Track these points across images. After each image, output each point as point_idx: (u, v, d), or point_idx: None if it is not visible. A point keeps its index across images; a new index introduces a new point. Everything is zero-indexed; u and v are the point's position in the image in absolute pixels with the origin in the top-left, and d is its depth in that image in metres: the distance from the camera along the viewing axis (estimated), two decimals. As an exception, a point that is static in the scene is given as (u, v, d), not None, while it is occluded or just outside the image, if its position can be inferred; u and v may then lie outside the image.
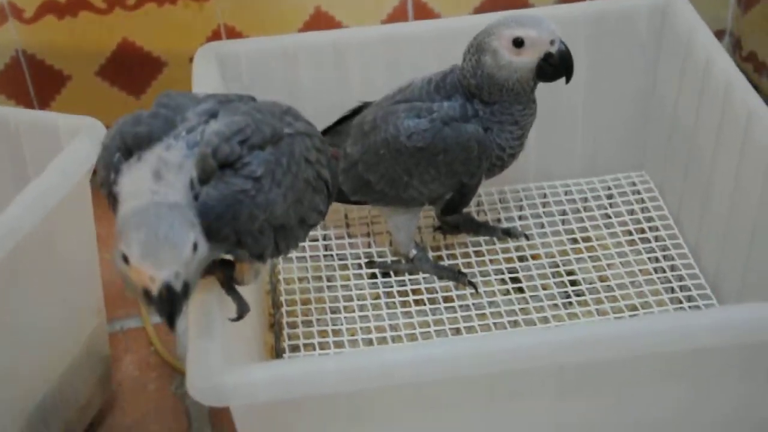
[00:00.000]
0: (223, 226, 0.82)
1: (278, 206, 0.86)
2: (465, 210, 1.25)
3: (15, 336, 0.98)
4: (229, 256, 0.91)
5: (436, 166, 1.09)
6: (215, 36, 1.45)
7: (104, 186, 0.86)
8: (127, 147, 0.84)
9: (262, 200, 0.84)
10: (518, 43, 1.04)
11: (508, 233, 1.23)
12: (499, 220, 1.27)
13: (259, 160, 0.84)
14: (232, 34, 1.45)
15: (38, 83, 1.45)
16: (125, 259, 0.76)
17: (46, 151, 1.06)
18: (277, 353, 1.12)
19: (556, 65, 1.06)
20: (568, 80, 1.07)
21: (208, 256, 0.83)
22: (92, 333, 1.12)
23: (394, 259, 1.22)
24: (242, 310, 0.91)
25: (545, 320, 1.12)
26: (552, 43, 1.05)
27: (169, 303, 0.76)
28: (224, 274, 0.92)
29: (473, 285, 1.17)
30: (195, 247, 0.77)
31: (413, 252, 1.18)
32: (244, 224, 0.83)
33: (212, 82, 1.16)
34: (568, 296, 1.16)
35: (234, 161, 0.83)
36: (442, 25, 1.24)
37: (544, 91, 1.11)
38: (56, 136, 1.08)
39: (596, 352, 0.84)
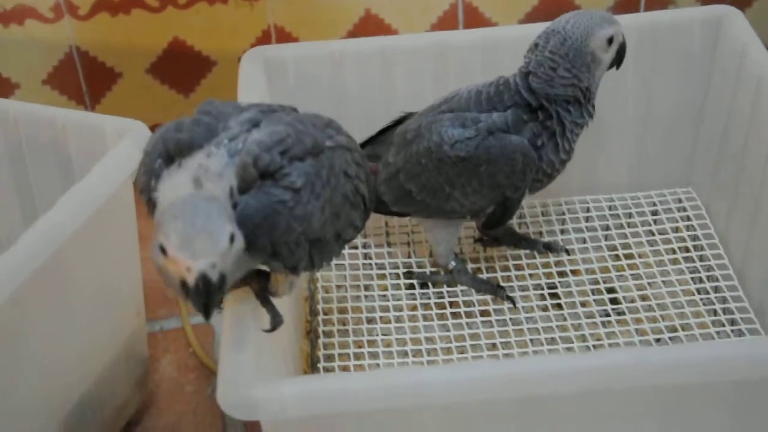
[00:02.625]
0: (260, 236, 0.82)
1: (315, 219, 0.85)
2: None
3: (56, 336, 1.00)
4: (264, 267, 0.92)
5: (478, 177, 1.07)
6: (265, 36, 1.45)
7: (144, 192, 0.87)
8: (168, 153, 0.85)
9: (300, 212, 0.84)
10: (610, 41, 1.06)
11: (549, 248, 1.21)
12: (540, 234, 1.25)
13: (299, 171, 0.84)
14: (282, 34, 1.45)
15: (90, 80, 1.47)
16: (163, 251, 0.77)
17: (92, 152, 1.08)
18: (313, 361, 1.12)
19: (617, 56, 1.09)
20: (619, 66, 1.09)
21: (245, 262, 0.83)
22: (132, 334, 1.14)
23: (433, 270, 1.21)
24: (276, 322, 0.91)
25: (583, 338, 1.11)
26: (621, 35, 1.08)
27: (206, 294, 0.77)
28: (259, 285, 0.92)
29: (511, 299, 1.16)
30: (232, 238, 0.78)
31: (452, 264, 1.17)
32: (281, 235, 0.83)
33: (258, 86, 1.16)
34: (608, 314, 1.14)
35: (274, 171, 0.83)
36: (489, 34, 1.22)
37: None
38: (102, 137, 1.09)
39: (628, 379, 0.82)
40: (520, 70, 1.08)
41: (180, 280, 0.77)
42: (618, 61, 1.09)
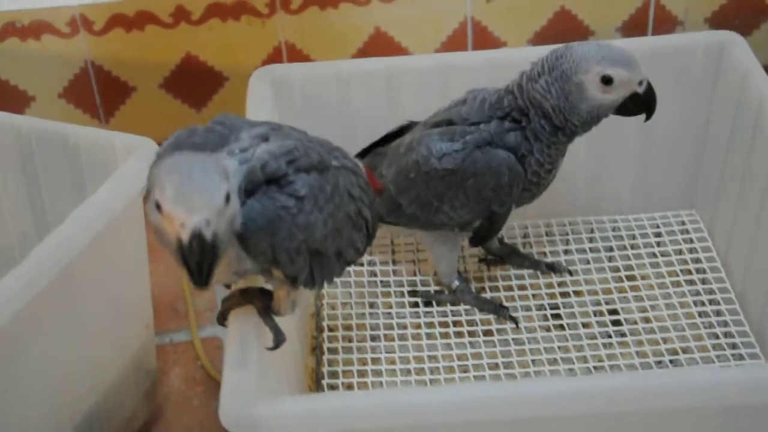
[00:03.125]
0: (262, 240, 0.84)
1: (317, 230, 0.88)
2: (511, 242, 1.25)
3: (65, 349, 1.02)
4: (268, 286, 0.93)
5: (465, 190, 1.08)
6: (276, 53, 1.47)
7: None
8: None
9: (303, 221, 0.86)
10: (607, 81, 1.02)
11: (552, 268, 1.22)
12: (544, 254, 1.26)
13: (303, 181, 0.86)
14: (293, 51, 1.47)
15: (104, 93, 1.49)
16: (158, 208, 0.78)
17: (103, 168, 1.10)
18: (318, 377, 1.14)
19: (640, 105, 1.04)
20: (648, 118, 1.06)
21: (242, 262, 0.85)
22: (140, 347, 1.15)
23: (437, 288, 1.23)
24: (279, 340, 0.93)
25: (584, 359, 1.12)
26: (640, 83, 1.03)
27: (200, 253, 0.77)
28: (262, 303, 0.94)
29: (514, 319, 1.17)
30: (227, 197, 0.78)
31: (456, 283, 1.18)
32: (282, 241, 0.85)
33: (266, 104, 1.18)
34: (609, 335, 1.15)
35: (280, 178, 0.85)
36: (495, 56, 1.24)
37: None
38: (113, 153, 1.11)
39: (624, 404, 0.84)
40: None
41: (176, 239, 0.77)
42: (634, 111, 1.05)
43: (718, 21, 1.47)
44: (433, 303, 1.21)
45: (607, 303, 1.19)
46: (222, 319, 0.95)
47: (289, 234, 0.85)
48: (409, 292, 1.22)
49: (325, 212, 0.88)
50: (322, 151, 0.91)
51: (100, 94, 1.49)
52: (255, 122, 0.92)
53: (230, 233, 0.81)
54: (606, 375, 1.05)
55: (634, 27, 1.48)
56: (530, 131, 1.07)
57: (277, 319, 0.94)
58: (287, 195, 0.85)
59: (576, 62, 1.03)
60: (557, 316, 1.18)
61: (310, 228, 0.87)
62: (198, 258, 0.77)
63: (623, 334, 1.15)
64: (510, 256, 1.24)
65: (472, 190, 1.08)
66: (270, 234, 0.84)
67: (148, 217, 0.81)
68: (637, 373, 1.02)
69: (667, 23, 1.48)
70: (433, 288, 1.23)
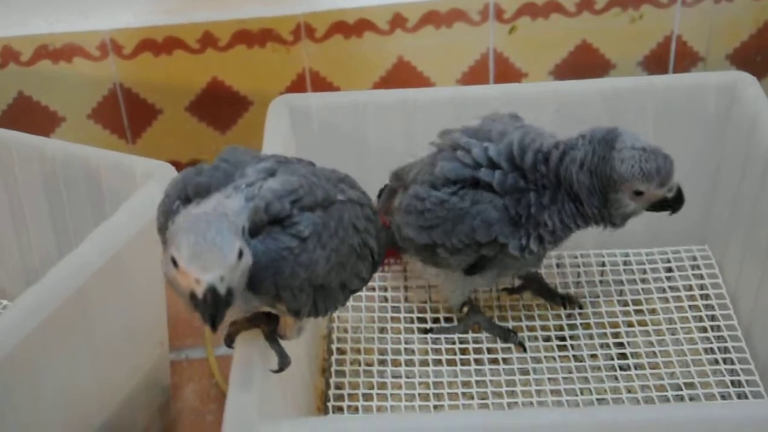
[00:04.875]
0: (265, 278, 0.86)
1: (320, 267, 0.89)
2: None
3: (79, 366, 1.04)
4: (274, 311, 0.96)
5: (453, 232, 1.09)
6: (300, 79, 1.50)
7: (161, 232, 0.91)
8: (187, 196, 0.89)
9: (305, 259, 0.88)
10: (639, 193, 1.05)
11: (567, 300, 1.23)
12: (555, 286, 1.26)
13: (307, 221, 0.88)
14: (317, 78, 1.50)
15: (132, 115, 1.53)
16: (174, 263, 0.81)
17: (123, 191, 1.13)
18: (326, 400, 1.15)
19: (666, 206, 1.08)
20: (673, 213, 1.09)
21: (251, 302, 0.88)
22: (154, 364, 1.18)
23: (447, 316, 1.24)
24: (283, 363, 0.95)
25: (588, 391, 1.13)
26: (670, 190, 1.06)
27: (213, 306, 0.81)
28: (269, 327, 0.95)
29: (522, 345, 1.17)
30: (240, 254, 0.82)
31: (464, 308, 1.19)
32: (285, 280, 0.87)
33: (283, 133, 1.21)
34: (614, 368, 1.16)
35: (283, 218, 0.87)
36: (511, 90, 1.25)
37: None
38: (132, 177, 1.14)
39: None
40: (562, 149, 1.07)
41: (190, 291, 0.81)
42: (661, 209, 1.07)
43: (739, 58, 1.48)
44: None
45: (614, 336, 1.20)
46: (229, 342, 0.97)
47: (292, 273, 0.87)
48: (418, 319, 1.23)
49: (328, 249, 0.90)
50: (327, 186, 0.92)
51: (127, 116, 1.53)
52: (261, 156, 0.94)
53: (244, 283, 0.84)
54: (601, 408, 1.06)
55: (655, 62, 1.49)
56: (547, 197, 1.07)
57: (286, 342, 0.96)
58: (290, 236, 0.87)
59: (618, 176, 1.03)
60: (563, 347, 1.19)
61: (313, 266, 0.88)
62: (211, 310, 0.81)
63: (627, 368, 1.16)
64: (532, 280, 1.24)
65: (459, 231, 1.09)
66: (273, 273, 0.86)
67: (162, 268, 0.84)
68: (631, 408, 1.02)
69: (688, 59, 1.49)
70: (443, 315, 1.24)
